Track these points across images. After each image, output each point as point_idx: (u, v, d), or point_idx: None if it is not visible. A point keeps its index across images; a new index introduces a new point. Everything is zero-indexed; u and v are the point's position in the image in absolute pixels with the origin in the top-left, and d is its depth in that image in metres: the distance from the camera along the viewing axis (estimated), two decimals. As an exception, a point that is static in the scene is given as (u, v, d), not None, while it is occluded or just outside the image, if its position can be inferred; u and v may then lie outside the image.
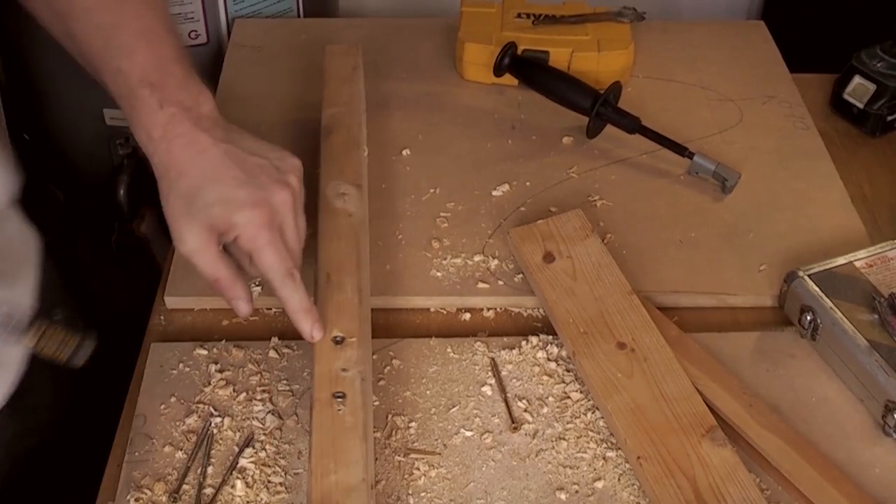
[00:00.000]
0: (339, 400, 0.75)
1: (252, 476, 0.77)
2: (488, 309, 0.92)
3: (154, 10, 0.77)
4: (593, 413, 0.82)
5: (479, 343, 0.87)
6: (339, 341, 0.80)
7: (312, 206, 0.87)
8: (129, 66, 0.74)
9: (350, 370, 0.78)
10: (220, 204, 0.74)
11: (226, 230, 0.74)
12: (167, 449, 0.79)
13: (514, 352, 0.86)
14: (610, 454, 0.79)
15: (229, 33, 1.29)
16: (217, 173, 0.75)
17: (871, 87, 1.12)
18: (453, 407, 0.82)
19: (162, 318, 0.91)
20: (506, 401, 0.83)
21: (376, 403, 0.82)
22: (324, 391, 0.76)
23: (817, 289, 0.86)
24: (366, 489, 0.71)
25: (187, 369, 0.85)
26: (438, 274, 0.93)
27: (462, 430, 0.80)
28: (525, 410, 0.82)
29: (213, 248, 0.75)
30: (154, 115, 0.74)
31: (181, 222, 0.74)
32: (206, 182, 0.74)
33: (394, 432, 0.80)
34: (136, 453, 0.78)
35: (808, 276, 0.87)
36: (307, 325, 0.78)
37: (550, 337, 0.88)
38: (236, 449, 0.78)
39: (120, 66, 0.74)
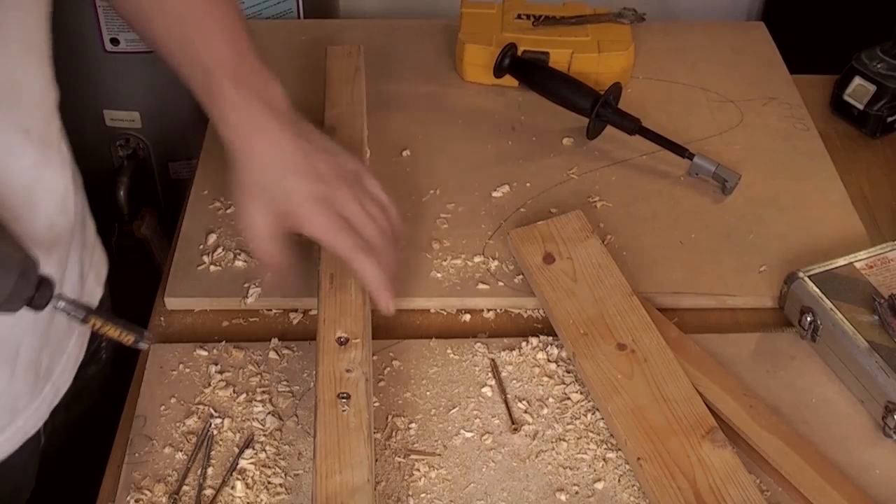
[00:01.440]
0: (344, 401, 0.76)
1: (252, 477, 0.77)
2: (488, 310, 0.92)
3: (236, 13, 0.81)
4: (593, 414, 0.82)
5: (479, 344, 0.87)
6: (343, 342, 0.80)
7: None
8: (213, 61, 0.78)
9: (354, 371, 0.78)
10: (287, 195, 0.78)
11: (290, 221, 0.79)
12: (167, 450, 0.79)
13: (515, 353, 0.86)
14: (610, 455, 0.79)
15: (229, 34, 1.28)
16: (287, 165, 0.79)
17: (872, 88, 1.12)
18: (453, 408, 0.82)
19: (162, 319, 0.91)
20: (506, 402, 0.83)
21: (376, 405, 0.82)
22: (328, 391, 0.77)
23: (817, 290, 0.86)
24: (370, 490, 0.71)
25: (187, 370, 0.85)
26: (438, 275, 0.93)
27: (462, 431, 0.80)
28: (525, 411, 0.82)
29: (271, 232, 0.79)
30: (235, 109, 0.78)
31: (249, 207, 0.79)
32: (276, 172, 0.78)
33: (394, 433, 0.80)
34: (136, 454, 0.78)
35: (809, 277, 0.87)
36: (384, 303, 0.81)
37: (550, 338, 0.87)
38: (236, 450, 0.78)
39: (204, 63, 0.78)
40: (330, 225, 0.79)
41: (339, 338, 0.80)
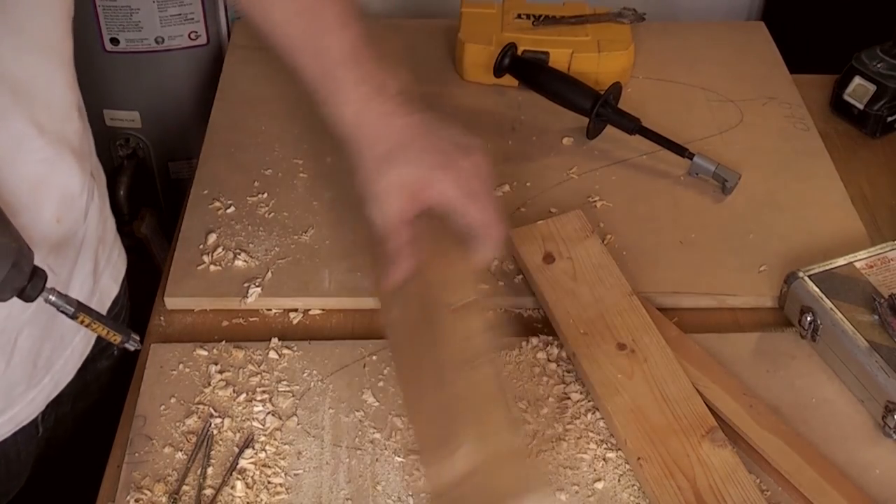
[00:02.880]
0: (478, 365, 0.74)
1: (252, 477, 0.76)
2: (488, 310, 0.92)
3: None
4: (593, 414, 0.82)
5: (479, 344, 0.87)
6: (463, 308, 0.77)
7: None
8: (328, 47, 0.79)
9: (479, 336, 0.76)
10: (412, 166, 0.77)
11: (418, 191, 0.77)
12: (167, 450, 0.78)
13: (514, 352, 0.86)
14: (610, 455, 0.79)
15: (229, 34, 1.29)
16: (408, 142, 0.78)
17: (872, 87, 1.12)
18: (453, 408, 0.82)
19: (162, 318, 0.91)
20: (506, 401, 0.83)
21: (376, 405, 0.82)
22: (459, 357, 0.74)
23: (817, 290, 0.86)
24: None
25: (187, 370, 0.85)
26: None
27: (462, 431, 0.80)
28: (525, 411, 0.82)
29: (403, 208, 0.77)
30: (350, 91, 0.78)
31: (374, 185, 0.77)
32: (397, 149, 0.77)
33: (394, 433, 0.80)
34: (136, 454, 0.78)
35: (809, 276, 0.87)
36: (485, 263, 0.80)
37: (550, 338, 0.87)
38: (236, 450, 0.78)
39: (318, 48, 0.79)
40: (461, 194, 0.76)
41: (459, 306, 0.77)
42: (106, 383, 0.94)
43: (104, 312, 0.89)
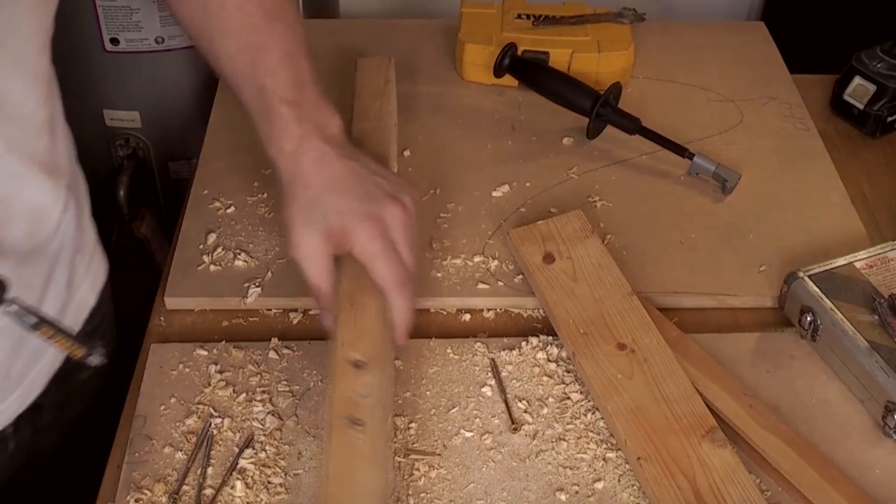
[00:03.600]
0: (358, 427, 0.72)
1: (252, 477, 0.77)
2: (488, 310, 0.92)
3: (296, 35, 0.83)
4: (593, 414, 0.82)
5: (479, 344, 0.87)
6: (359, 365, 0.76)
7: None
8: (273, 85, 0.81)
9: (370, 397, 0.74)
10: (338, 213, 0.78)
11: (340, 239, 0.78)
12: (167, 450, 0.79)
13: (514, 353, 0.86)
14: (610, 455, 0.79)
15: (229, 34, 1.28)
16: (339, 186, 0.79)
17: (872, 87, 1.12)
18: (453, 408, 0.82)
19: (162, 318, 0.91)
20: (506, 402, 0.83)
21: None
22: (341, 416, 0.73)
23: (817, 290, 0.86)
24: None
25: (187, 370, 0.85)
26: (438, 274, 0.93)
27: (462, 431, 0.80)
28: (525, 411, 0.82)
29: (324, 256, 0.78)
30: (290, 130, 0.80)
31: (299, 228, 0.79)
32: (327, 193, 0.79)
33: (394, 433, 0.80)
34: (136, 454, 0.78)
35: (809, 276, 0.87)
36: (401, 337, 0.80)
37: (550, 338, 0.87)
38: (236, 450, 0.78)
39: (264, 85, 0.81)
40: (379, 250, 0.77)
41: (356, 361, 0.76)
42: (94, 391, 0.94)
43: (80, 324, 0.88)
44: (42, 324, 0.66)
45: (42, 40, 0.74)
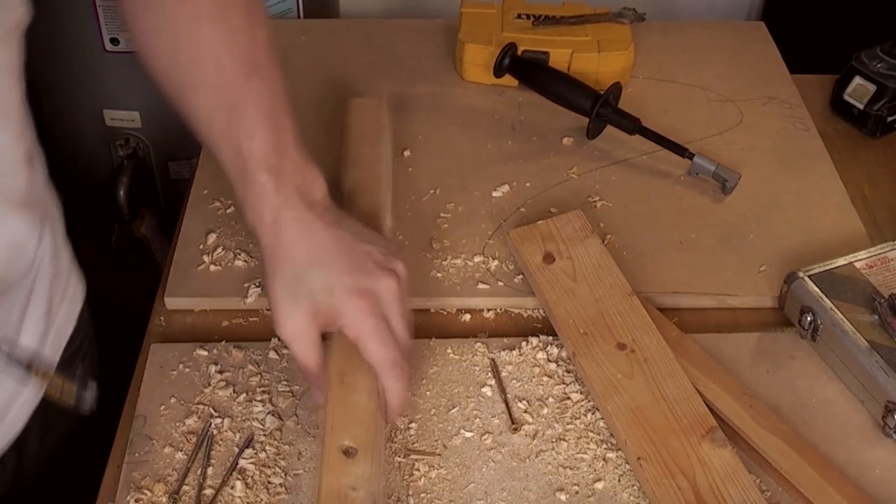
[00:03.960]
0: None
1: (252, 477, 0.77)
2: (488, 310, 0.92)
3: (276, 93, 0.77)
4: (593, 414, 0.82)
5: (479, 344, 0.87)
6: (349, 453, 0.72)
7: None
8: (250, 148, 0.75)
9: (360, 489, 0.70)
10: (326, 290, 0.74)
11: (329, 318, 0.74)
12: (167, 450, 0.78)
13: (514, 353, 0.86)
14: (610, 455, 0.79)
15: (229, 34, 1.28)
16: (324, 258, 0.75)
17: (872, 87, 1.12)
18: (453, 408, 0.82)
19: (162, 318, 0.91)
20: (506, 402, 0.83)
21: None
22: None
23: (817, 290, 0.86)
24: None
25: (187, 370, 0.85)
26: (438, 275, 0.93)
27: (462, 431, 0.80)
28: (525, 411, 0.82)
29: (312, 336, 0.74)
30: (269, 198, 0.75)
31: (284, 306, 0.74)
32: (312, 266, 0.74)
33: (394, 433, 0.80)
34: (136, 454, 0.78)
35: (809, 276, 0.87)
36: (393, 419, 0.77)
37: (550, 338, 0.87)
38: (236, 450, 0.78)
39: (240, 147, 0.75)
40: (371, 329, 0.73)
41: (347, 448, 0.71)
42: (72, 416, 0.92)
43: (60, 351, 0.85)
44: (32, 363, 0.64)
45: (12, 76, 0.70)
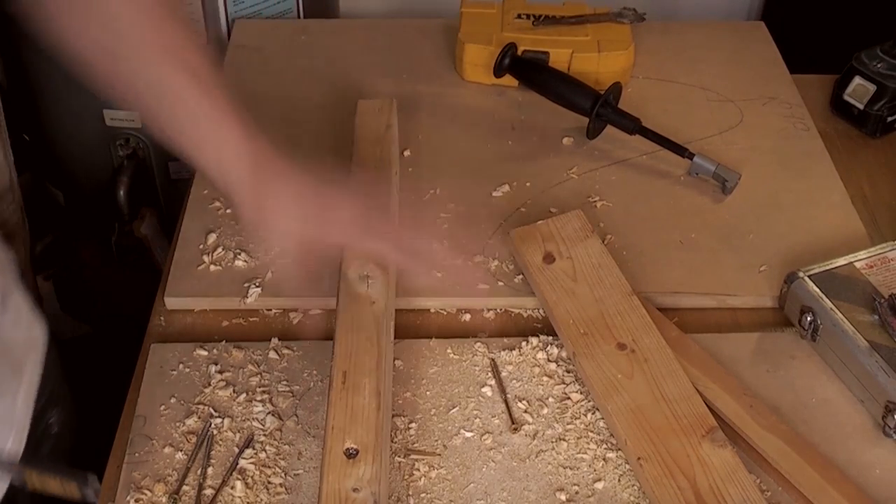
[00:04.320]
0: None
1: (252, 477, 0.77)
2: (488, 310, 0.92)
3: (215, 79, 0.77)
4: (593, 414, 0.82)
5: (479, 344, 0.87)
6: (351, 454, 0.72)
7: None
8: (217, 151, 0.77)
9: (362, 490, 0.70)
10: (300, 222, 0.77)
11: (312, 249, 0.78)
12: (167, 450, 0.78)
13: (515, 353, 0.86)
14: (610, 455, 0.79)
15: (229, 34, 1.29)
16: (306, 207, 0.78)
17: (872, 87, 1.12)
18: (453, 408, 0.82)
19: (162, 318, 0.91)
20: (506, 402, 0.83)
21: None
22: None
23: (817, 290, 0.86)
24: None
25: (187, 370, 0.85)
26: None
27: (462, 431, 0.80)
28: (525, 411, 0.82)
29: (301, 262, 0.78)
30: (247, 184, 0.77)
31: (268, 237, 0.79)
32: (284, 205, 0.77)
33: (394, 433, 0.80)
34: (136, 454, 0.78)
35: (809, 276, 0.87)
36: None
37: (550, 338, 0.87)
38: (236, 450, 0.78)
39: (205, 148, 0.76)
40: (359, 231, 0.78)
41: (348, 450, 0.72)
42: (56, 443, 0.91)
43: (31, 405, 0.84)
44: (23, 470, 0.64)
45: None
